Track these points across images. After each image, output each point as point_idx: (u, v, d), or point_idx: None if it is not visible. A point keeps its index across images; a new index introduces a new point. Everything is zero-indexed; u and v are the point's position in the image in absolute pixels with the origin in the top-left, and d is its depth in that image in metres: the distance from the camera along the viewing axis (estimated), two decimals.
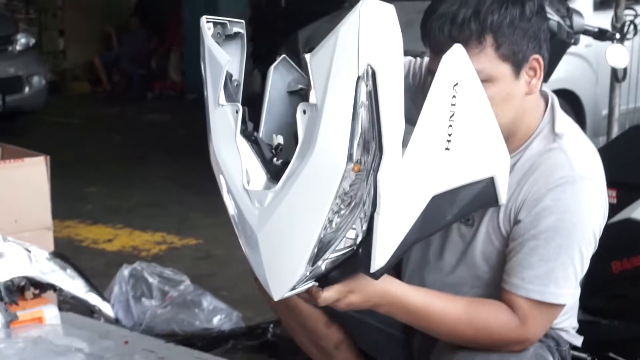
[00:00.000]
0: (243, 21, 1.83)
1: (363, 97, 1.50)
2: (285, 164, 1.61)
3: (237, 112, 1.68)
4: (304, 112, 1.57)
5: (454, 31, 1.78)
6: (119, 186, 6.38)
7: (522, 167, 1.89)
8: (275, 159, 1.68)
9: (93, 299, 2.95)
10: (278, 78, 1.85)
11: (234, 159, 1.67)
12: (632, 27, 4.17)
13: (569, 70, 5.40)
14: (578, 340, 2.11)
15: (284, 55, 1.91)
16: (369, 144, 1.52)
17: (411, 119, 1.62)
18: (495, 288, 1.90)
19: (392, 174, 1.54)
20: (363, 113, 1.50)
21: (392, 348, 2.20)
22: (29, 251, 2.86)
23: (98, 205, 5.85)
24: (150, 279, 3.65)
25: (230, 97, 1.71)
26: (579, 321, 2.20)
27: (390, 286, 1.76)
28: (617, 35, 2.97)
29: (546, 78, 2.80)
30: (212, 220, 5.32)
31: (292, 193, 1.57)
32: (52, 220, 3.41)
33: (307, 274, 1.60)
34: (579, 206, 1.80)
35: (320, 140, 1.52)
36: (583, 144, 1.92)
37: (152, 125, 9.39)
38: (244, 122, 1.69)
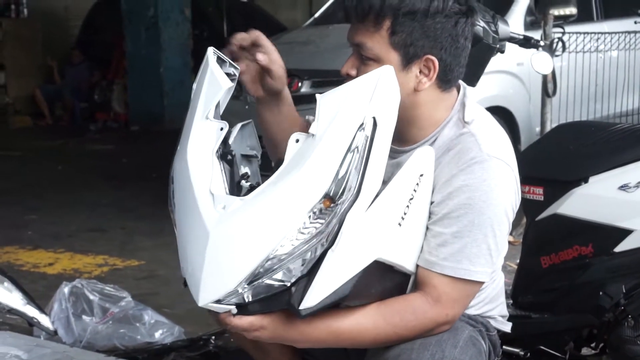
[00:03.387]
0: (239, 67, 1.95)
1: (359, 143, 1.65)
2: (253, 188, 1.74)
3: (221, 129, 1.81)
4: (297, 140, 1.71)
5: (358, 3, 1.87)
6: (60, 213, 6.34)
7: (435, 152, 1.93)
8: (244, 181, 1.82)
9: (31, 311, 2.93)
10: (239, 138, 1.96)
11: (205, 165, 1.76)
12: (560, 44, 4.32)
13: (503, 87, 5.55)
14: (507, 327, 2.17)
15: (251, 120, 2.03)
16: (350, 184, 1.64)
17: None
18: None
19: (359, 219, 1.66)
20: (355, 156, 1.65)
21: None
22: None
23: (39, 231, 5.80)
24: (91, 296, 3.63)
25: (217, 116, 1.84)
26: (512, 316, 2.26)
27: (298, 328, 1.78)
28: (542, 43, 3.07)
29: (473, 82, 2.91)
30: (154, 243, 5.33)
31: (261, 205, 1.66)
32: None
33: (240, 290, 1.66)
34: (489, 184, 1.86)
35: (309, 165, 1.65)
36: (492, 128, 1.98)
37: (95, 156, 9.35)
38: (224, 141, 1.82)
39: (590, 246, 2.49)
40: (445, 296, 1.86)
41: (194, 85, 1.91)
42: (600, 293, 2.45)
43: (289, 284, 1.67)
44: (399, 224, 1.77)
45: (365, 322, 1.83)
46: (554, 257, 2.57)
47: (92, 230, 5.83)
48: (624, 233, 2.43)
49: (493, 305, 2.11)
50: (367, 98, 1.69)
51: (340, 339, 1.85)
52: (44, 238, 5.59)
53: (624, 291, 2.43)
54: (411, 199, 1.78)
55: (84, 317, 3.57)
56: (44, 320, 2.96)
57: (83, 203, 6.68)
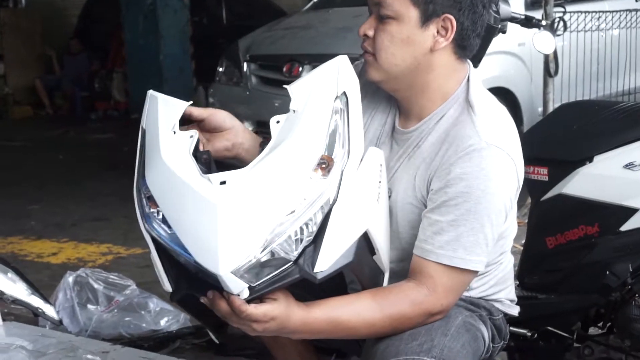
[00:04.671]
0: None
1: (338, 110, 1.74)
2: None
3: (191, 136, 1.81)
4: (277, 122, 1.74)
5: None
6: (63, 202, 6.33)
7: (438, 135, 1.93)
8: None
9: (36, 301, 2.93)
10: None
11: (186, 162, 1.74)
12: (561, 23, 4.28)
13: (504, 68, 5.52)
14: (514, 310, 2.15)
15: None
16: (341, 143, 1.69)
17: None
18: None
19: (354, 176, 1.71)
20: (338, 121, 1.71)
21: None
22: None
23: (42, 221, 5.79)
24: (96, 285, 3.62)
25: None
26: (518, 297, 2.25)
27: (300, 318, 1.75)
28: (544, 22, 3.05)
29: (476, 62, 2.89)
30: None
31: (264, 171, 1.67)
32: None
33: (255, 258, 1.63)
34: (487, 173, 1.83)
35: (302, 129, 1.70)
36: (494, 113, 1.95)
37: (96, 144, 9.35)
38: (196, 148, 1.81)
39: (596, 226, 2.48)
40: (441, 286, 1.84)
41: (143, 120, 1.87)
42: (607, 272, 2.44)
43: (297, 255, 1.65)
44: (377, 200, 1.79)
45: (362, 313, 1.81)
46: (559, 238, 2.56)
47: (95, 220, 5.82)
48: (630, 212, 2.43)
49: (499, 288, 2.09)
50: (335, 77, 1.77)
51: (337, 329, 1.82)
52: (47, 228, 5.59)
53: (631, 270, 2.42)
54: (380, 182, 1.81)
55: (89, 306, 3.56)
56: (49, 310, 2.95)
57: (85, 192, 6.68)
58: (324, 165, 1.68)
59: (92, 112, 11.55)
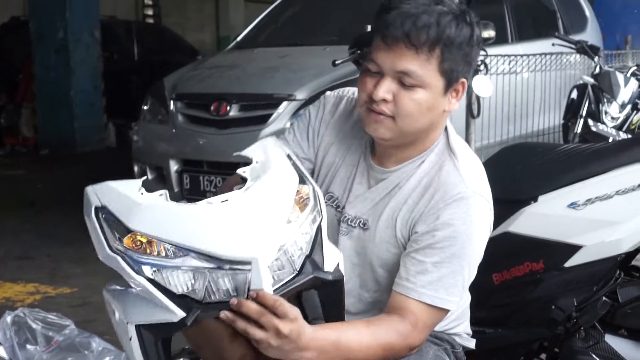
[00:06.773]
0: None
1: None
2: None
3: (161, 195, 1.79)
4: (244, 172, 1.85)
5: (412, 31, 1.89)
6: None
7: (420, 180, 2.03)
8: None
9: None
10: None
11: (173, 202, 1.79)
12: (483, 66, 4.46)
13: None
14: (471, 343, 2.26)
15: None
16: (308, 179, 1.91)
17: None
18: None
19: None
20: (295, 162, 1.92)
21: None
22: None
23: None
24: (34, 325, 3.56)
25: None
26: None
27: (312, 331, 1.80)
28: (482, 67, 3.19)
29: None
30: (85, 269, 5.26)
31: (260, 192, 1.79)
32: None
33: (276, 256, 1.72)
34: (472, 219, 1.95)
35: (274, 169, 1.86)
36: (473, 162, 2.07)
37: (7, 181, 9.11)
38: None
39: (541, 262, 2.60)
40: (421, 322, 1.94)
41: (90, 212, 1.77)
42: (552, 307, 2.56)
43: (299, 266, 1.76)
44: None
45: (361, 337, 1.87)
46: (505, 274, 2.66)
47: (19, 258, 5.70)
48: (574, 249, 2.55)
49: (458, 322, 2.20)
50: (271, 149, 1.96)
51: (339, 350, 1.85)
52: None
53: (576, 304, 2.54)
54: None
55: (27, 346, 3.50)
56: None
57: (4, 229, 6.51)
58: (306, 187, 1.85)
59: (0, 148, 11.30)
